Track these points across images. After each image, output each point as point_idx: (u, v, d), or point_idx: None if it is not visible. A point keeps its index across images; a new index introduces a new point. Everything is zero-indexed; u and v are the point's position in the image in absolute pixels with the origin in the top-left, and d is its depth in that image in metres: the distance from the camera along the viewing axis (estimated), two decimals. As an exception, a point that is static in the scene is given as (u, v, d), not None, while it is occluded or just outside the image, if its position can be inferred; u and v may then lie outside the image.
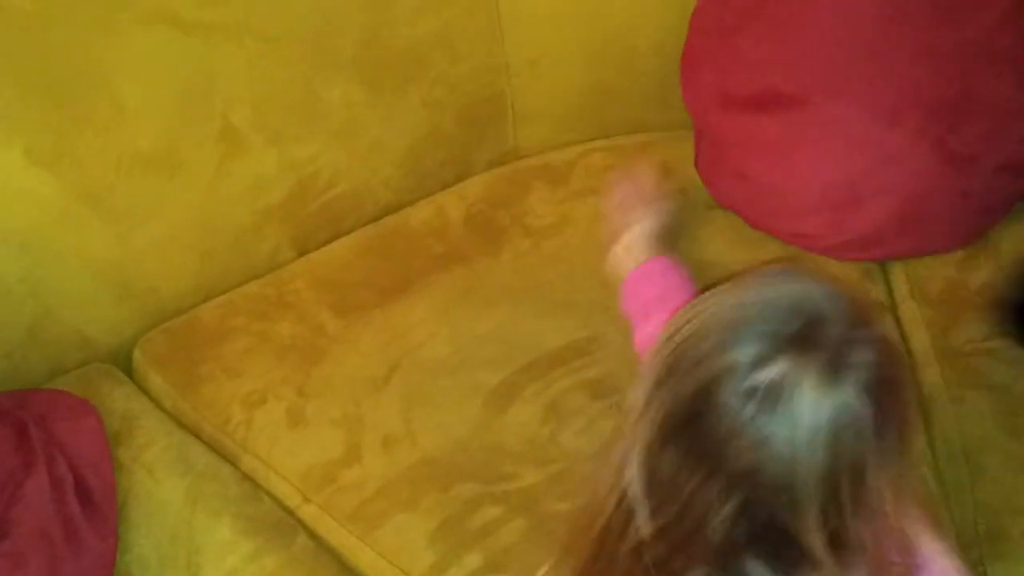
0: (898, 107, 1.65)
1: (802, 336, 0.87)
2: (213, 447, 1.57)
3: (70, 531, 1.34)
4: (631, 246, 1.54)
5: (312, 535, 1.46)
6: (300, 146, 1.76)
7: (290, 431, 1.56)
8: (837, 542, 0.89)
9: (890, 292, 1.76)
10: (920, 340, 1.67)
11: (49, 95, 1.55)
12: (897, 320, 1.71)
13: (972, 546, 1.42)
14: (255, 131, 1.71)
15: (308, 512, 1.48)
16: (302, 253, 1.83)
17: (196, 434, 1.58)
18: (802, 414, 0.86)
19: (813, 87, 1.68)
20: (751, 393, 0.87)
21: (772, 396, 0.86)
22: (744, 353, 0.87)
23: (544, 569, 1.19)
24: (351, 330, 1.69)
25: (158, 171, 1.65)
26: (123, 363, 1.70)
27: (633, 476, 0.92)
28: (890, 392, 0.89)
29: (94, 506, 1.39)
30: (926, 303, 1.72)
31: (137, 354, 1.70)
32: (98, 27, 1.58)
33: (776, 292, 0.91)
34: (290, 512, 1.49)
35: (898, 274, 1.78)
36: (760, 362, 0.87)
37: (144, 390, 1.65)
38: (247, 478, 1.52)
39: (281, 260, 1.81)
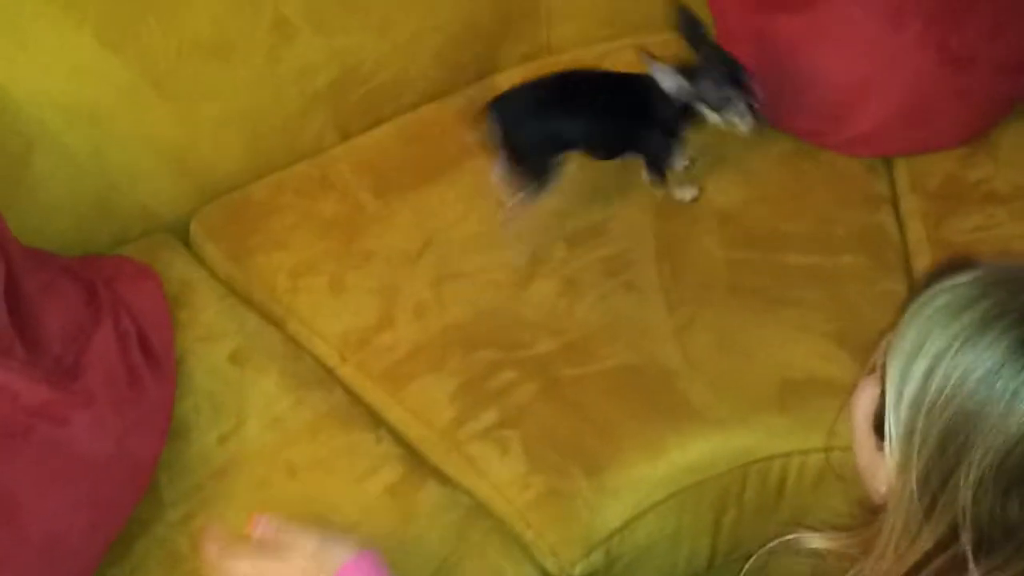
0: (902, 10, 1.74)
1: None
2: (261, 311, 1.70)
3: (134, 377, 1.47)
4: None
5: (348, 391, 1.59)
6: (345, 37, 1.86)
7: (331, 298, 1.70)
8: None
9: (892, 185, 1.86)
10: (915, 230, 1.77)
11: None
12: (897, 212, 1.81)
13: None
14: (304, 21, 1.81)
15: (345, 371, 1.62)
16: (345, 137, 1.94)
17: (246, 299, 1.72)
18: None
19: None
20: None
21: None
22: None
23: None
24: (388, 209, 1.82)
25: (214, 56, 1.75)
26: (181, 234, 1.83)
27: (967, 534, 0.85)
28: None
29: (155, 358, 1.52)
30: (925, 196, 1.81)
31: (194, 226, 1.83)
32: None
33: (988, 296, 0.86)
34: (329, 370, 1.62)
35: (901, 169, 1.87)
36: None
37: (200, 259, 1.79)
38: (291, 340, 1.66)
39: (326, 143, 1.93)
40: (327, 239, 1.78)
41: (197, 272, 1.75)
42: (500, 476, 1.47)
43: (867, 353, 1.54)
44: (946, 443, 0.85)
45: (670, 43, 2.03)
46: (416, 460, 1.50)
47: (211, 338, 1.63)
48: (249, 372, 1.59)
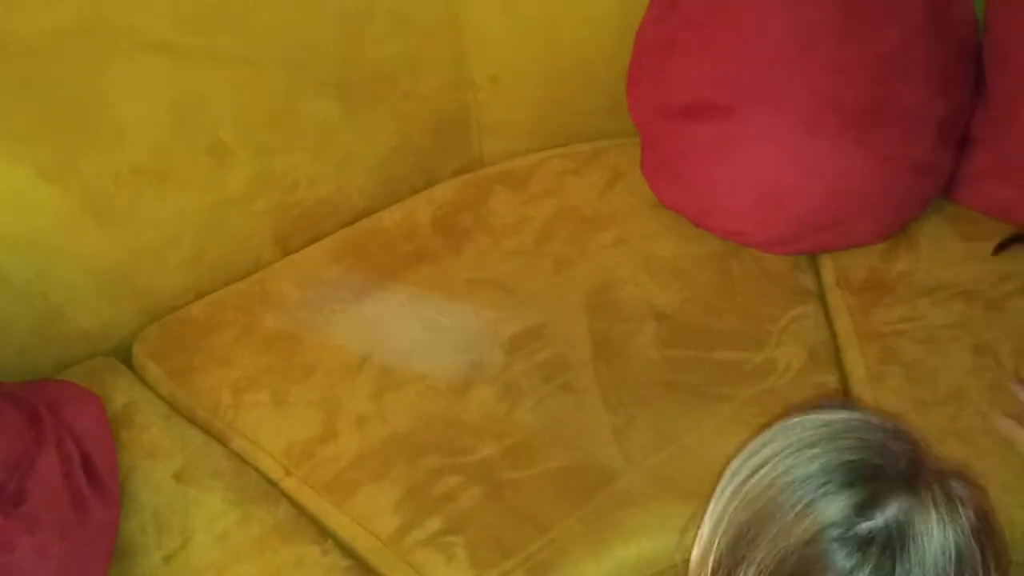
0: (817, 115, 1.81)
1: (908, 474, 0.84)
2: (205, 429, 1.72)
3: (78, 500, 1.48)
4: None
5: (294, 504, 1.61)
6: (281, 158, 1.92)
7: (273, 413, 1.72)
8: None
9: (819, 281, 1.92)
10: (843, 324, 1.82)
11: (55, 118, 1.69)
12: (824, 306, 1.87)
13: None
14: (240, 145, 1.86)
15: (290, 484, 1.63)
16: (285, 254, 1.98)
17: (190, 418, 1.73)
18: (931, 555, 0.81)
19: (740, 98, 1.84)
20: (865, 543, 0.82)
21: (894, 542, 0.81)
22: (839, 503, 0.83)
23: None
24: (329, 323, 1.85)
25: (153, 182, 1.80)
26: (124, 356, 1.85)
27: None
28: (988, 524, 0.86)
29: (98, 480, 1.54)
30: (850, 291, 1.86)
31: (136, 347, 1.85)
32: (98, 56, 1.72)
33: (838, 429, 0.88)
34: (274, 484, 1.64)
35: (826, 264, 1.93)
36: (865, 508, 0.83)
37: (143, 380, 1.81)
38: (235, 455, 1.67)
39: (266, 261, 1.97)
40: (268, 355, 1.81)
41: (140, 392, 1.77)
42: (447, 583, 1.49)
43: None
44: (740, 536, 0.88)
45: (599, 152, 2.13)
46: (363, 570, 1.51)
47: (155, 457, 1.64)
48: (194, 489, 1.60)
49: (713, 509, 0.92)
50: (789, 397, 1.68)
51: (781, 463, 0.87)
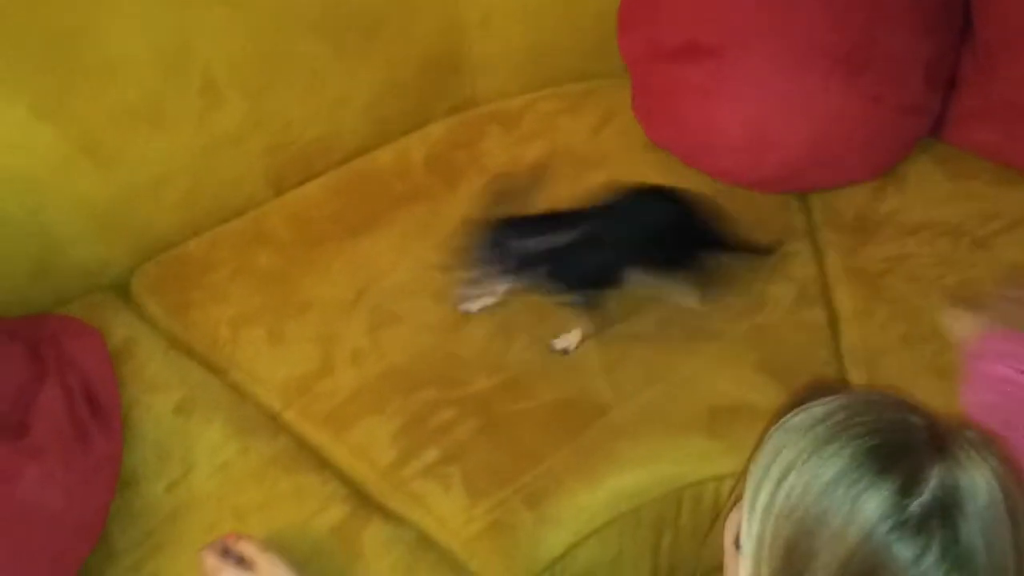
0: (805, 56, 1.84)
1: (932, 439, 0.85)
2: (204, 363, 1.74)
3: (81, 432, 1.50)
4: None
5: (293, 436, 1.63)
6: (273, 99, 1.93)
7: (271, 348, 1.74)
8: None
9: (809, 219, 1.95)
10: (832, 262, 1.86)
11: (48, 58, 1.70)
12: (814, 245, 1.90)
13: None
14: (232, 86, 1.87)
15: (289, 417, 1.66)
16: (279, 193, 2.00)
17: (189, 352, 1.75)
18: (983, 503, 0.82)
19: (730, 40, 1.87)
20: (922, 523, 0.82)
21: (950, 508, 0.82)
22: (881, 495, 0.83)
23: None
24: (323, 261, 1.87)
25: (146, 122, 1.80)
26: (122, 292, 1.86)
27: None
28: (1008, 457, 0.87)
29: (101, 412, 1.56)
30: (838, 229, 1.91)
31: (134, 283, 1.87)
32: (88, -3, 1.73)
33: (845, 418, 0.88)
34: (273, 417, 1.66)
35: (816, 204, 1.96)
36: (909, 489, 0.83)
37: (142, 315, 1.82)
38: (234, 389, 1.70)
39: (259, 199, 1.98)
40: (264, 291, 1.83)
41: (139, 328, 1.78)
42: (444, 511, 1.52)
43: (790, 378, 1.63)
44: (791, 551, 0.87)
45: (590, 92, 2.14)
46: (362, 499, 1.54)
47: (156, 390, 1.66)
48: (194, 421, 1.63)
49: (749, 529, 0.90)
50: (779, 334, 1.71)
51: (807, 469, 0.86)
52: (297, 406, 1.67)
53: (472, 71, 2.14)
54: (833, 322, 1.76)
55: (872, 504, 0.82)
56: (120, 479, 1.51)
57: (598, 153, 2.03)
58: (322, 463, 1.60)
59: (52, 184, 1.76)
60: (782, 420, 0.93)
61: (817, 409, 0.91)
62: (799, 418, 0.91)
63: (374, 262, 1.87)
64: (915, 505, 0.82)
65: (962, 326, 1.43)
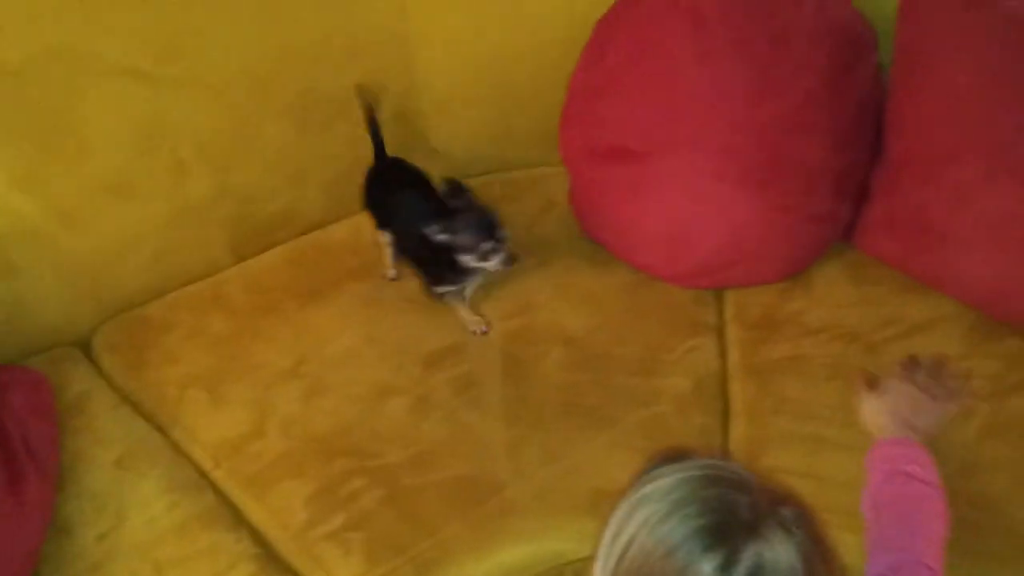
0: (722, 165, 1.99)
1: (750, 519, 0.99)
2: (150, 419, 1.91)
3: (15, 477, 1.65)
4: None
5: (219, 494, 1.80)
6: (239, 174, 2.11)
7: (212, 409, 1.91)
8: None
9: (720, 315, 2.09)
10: (733, 357, 1.99)
11: (28, 133, 1.89)
12: (722, 339, 2.04)
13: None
14: (200, 163, 2.05)
15: (218, 475, 1.83)
16: (239, 260, 2.18)
17: (137, 408, 1.93)
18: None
19: (653, 145, 2.03)
20: None
21: None
22: (706, 569, 0.98)
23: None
24: (271, 328, 2.05)
25: (117, 195, 1.99)
26: (85, 348, 2.04)
27: None
28: (816, 530, 1.03)
29: (38, 462, 1.72)
30: (744, 326, 2.04)
31: (95, 341, 2.05)
32: (70, 78, 1.91)
33: (682, 496, 1.02)
34: (204, 474, 1.83)
35: (729, 299, 2.10)
36: (727, 567, 0.98)
37: (99, 371, 2.00)
38: (174, 446, 1.87)
39: (221, 265, 2.17)
40: (214, 354, 2.01)
41: (95, 382, 1.96)
42: (341, 574, 1.68)
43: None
44: None
45: (535, 180, 2.30)
46: (270, 558, 1.71)
47: (100, 444, 1.84)
48: (131, 475, 1.79)
49: None
50: (671, 424, 1.86)
51: (653, 534, 1.01)
52: (226, 466, 1.83)
53: (429, 155, 2.30)
54: (724, 415, 1.90)
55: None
56: (54, 526, 1.69)
57: (534, 240, 2.20)
58: (239, 521, 1.76)
59: (26, 247, 1.94)
60: (632, 491, 1.07)
61: (663, 482, 1.05)
62: (647, 489, 1.05)
63: (318, 332, 2.04)
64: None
65: (870, 409, 1.57)
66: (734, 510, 1.01)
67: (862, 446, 1.73)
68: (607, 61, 2.09)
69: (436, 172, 2.30)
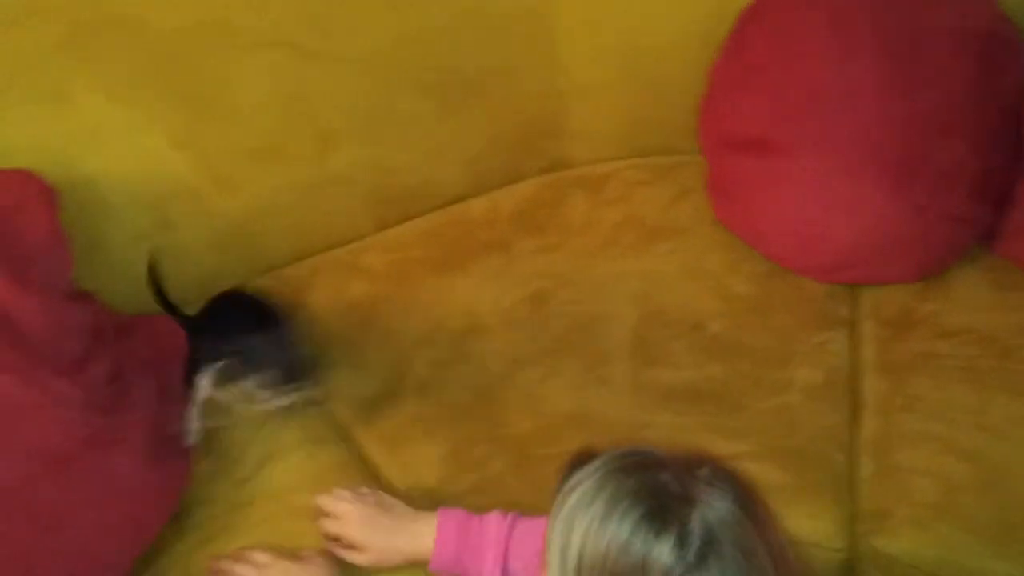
0: (859, 163, 1.99)
1: (680, 490, 1.03)
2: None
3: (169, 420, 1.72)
4: None
5: (354, 448, 1.85)
6: (379, 147, 2.16)
7: (349, 369, 1.94)
8: None
9: (854, 310, 2.09)
10: (867, 352, 2.00)
11: (186, 96, 1.96)
12: (854, 334, 2.04)
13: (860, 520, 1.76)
14: (342, 134, 2.11)
15: (356, 431, 1.88)
16: (379, 229, 2.24)
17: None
18: (723, 521, 1.02)
19: (790, 140, 2.04)
20: (701, 559, 1.00)
21: (712, 544, 1.01)
22: (663, 551, 1.00)
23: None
24: (407, 295, 2.10)
25: (266, 159, 2.06)
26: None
27: None
28: (738, 478, 1.07)
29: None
30: (879, 322, 2.05)
31: (245, 294, 2.11)
32: (224, 46, 1.98)
33: (612, 493, 1.04)
34: (343, 429, 1.88)
35: (864, 296, 2.11)
36: (682, 539, 1.00)
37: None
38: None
39: (362, 232, 2.23)
40: (352, 316, 2.06)
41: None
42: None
43: (796, 460, 1.77)
44: None
45: (673, 166, 2.33)
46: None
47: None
48: (274, 424, 1.83)
49: None
50: (799, 414, 1.87)
51: (598, 544, 1.02)
52: (362, 423, 1.88)
53: (567, 136, 2.34)
54: (853, 409, 1.90)
55: (660, 563, 1.01)
56: (201, 467, 1.76)
57: (668, 225, 2.22)
58: (375, 475, 1.80)
59: (181, 206, 2.01)
60: (561, 502, 1.09)
61: (586, 486, 1.07)
62: (574, 498, 1.07)
63: (453, 300, 2.09)
64: (691, 554, 1.01)
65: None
66: (663, 488, 1.04)
67: (990, 452, 1.76)
68: (747, 54, 2.11)
69: (573, 154, 2.36)
